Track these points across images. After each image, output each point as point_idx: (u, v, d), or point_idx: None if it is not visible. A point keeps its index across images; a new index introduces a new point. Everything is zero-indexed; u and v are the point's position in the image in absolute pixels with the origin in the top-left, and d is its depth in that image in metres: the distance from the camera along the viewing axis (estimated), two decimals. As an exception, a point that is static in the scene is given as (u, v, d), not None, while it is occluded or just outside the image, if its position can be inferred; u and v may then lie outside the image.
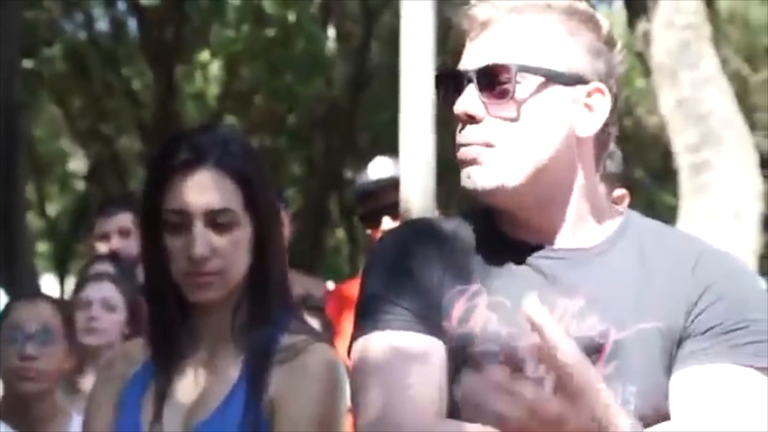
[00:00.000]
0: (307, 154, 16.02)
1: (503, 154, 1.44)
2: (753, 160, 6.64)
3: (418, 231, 1.54)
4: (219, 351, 1.83)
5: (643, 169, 13.84)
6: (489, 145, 1.44)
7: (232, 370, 1.80)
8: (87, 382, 2.96)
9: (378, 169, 3.31)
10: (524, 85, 1.44)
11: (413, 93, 2.40)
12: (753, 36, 14.70)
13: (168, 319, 1.84)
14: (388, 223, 3.15)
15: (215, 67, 13.87)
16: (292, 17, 12.79)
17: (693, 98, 6.69)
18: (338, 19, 15.56)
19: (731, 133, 6.64)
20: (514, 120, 1.44)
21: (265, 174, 1.86)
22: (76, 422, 2.64)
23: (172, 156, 1.80)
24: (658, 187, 14.08)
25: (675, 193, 7.87)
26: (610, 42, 1.49)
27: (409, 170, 2.44)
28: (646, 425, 1.40)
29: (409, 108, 2.41)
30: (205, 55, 13.51)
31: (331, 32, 15.31)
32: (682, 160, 6.75)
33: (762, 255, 6.52)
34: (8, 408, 2.70)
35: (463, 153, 1.46)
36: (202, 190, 1.78)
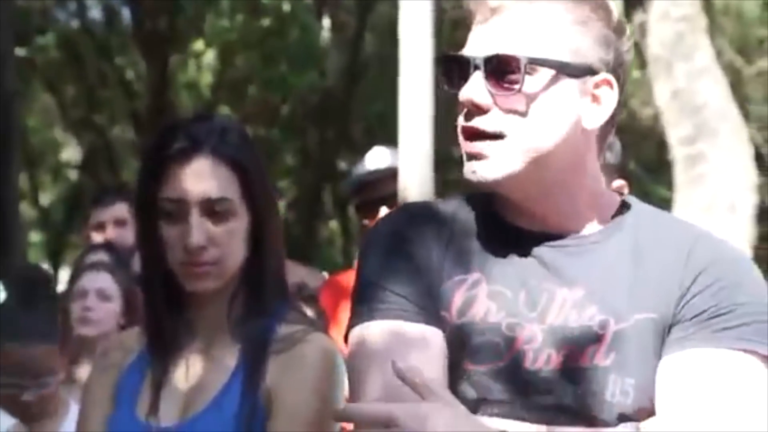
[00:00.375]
0: (301, 145, 16.00)
1: (509, 146, 1.43)
2: (748, 152, 6.65)
3: (416, 215, 1.52)
4: (215, 341, 1.82)
5: (636, 160, 13.85)
6: (497, 136, 1.43)
7: (229, 359, 1.79)
8: (83, 371, 2.95)
9: (375, 159, 3.30)
10: (533, 77, 1.42)
11: (412, 83, 2.39)
12: (747, 28, 14.69)
13: (164, 308, 1.83)
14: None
15: (209, 57, 13.83)
16: (286, 7, 12.76)
17: (688, 90, 6.69)
18: (333, 9, 15.52)
19: (726, 125, 6.65)
20: (522, 113, 1.43)
21: (261, 163, 1.86)
22: (74, 411, 2.64)
23: (168, 145, 1.79)
24: (651, 179, 14.09)
25: (669, 185, 7.88)
26: (619, 29, 1.48)
27: (408, 161, 2.43)
28: (646, 416, 1.41)
29: (408, 98, 2.40)
30: (199, 45, 13.47)
31: (326, 22, 15.28)
32: (677, 152, 6.76)
33: (756, 247, 6.53)
34: (10, 400, 2.70)
35: (468, 146, 1.45)
36: (199, 178, 1.77)
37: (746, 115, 8.56)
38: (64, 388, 2.83)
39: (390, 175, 3.23)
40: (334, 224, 18.30)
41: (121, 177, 14.89)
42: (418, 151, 2.28)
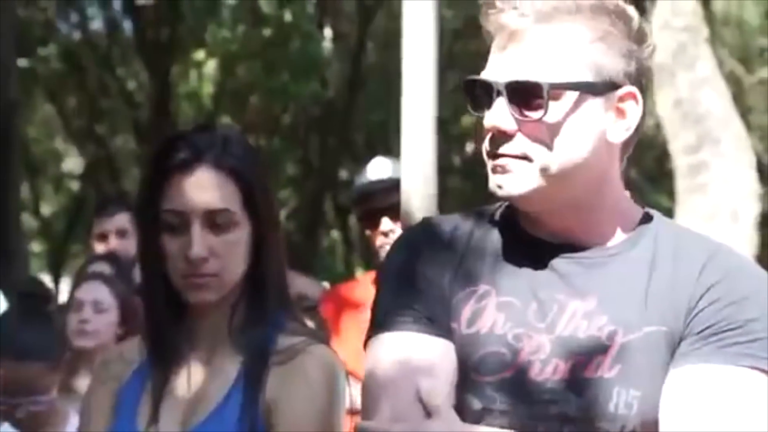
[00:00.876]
0: (302, 155, 16.00)
1: (536, 165, 1.42)
2: (750, 161, 6.66)
3: (433, 233, 1.52)
4: (217, 351, 1.82)
5: (637, 170, 13.85)
6: (523, 158, 1.43)
7: (230, 370, 1.79)
8: (81, 382, 2.94)
9: (377, 169, 3.29)
10: (557, 102, 1.41)
11: (414, 92, 2.37)
12: (747, 37, 14.70)
13: (165, 319, 1.82)
14: (387, 224, 3.14)
15: (211, 67, 13.84)
16: (288, 17, 12.76)
17: (690, 99, 6.70)
18: (334, 19, 15.54)
19: (728, 133, 6.66)
20: (547, 141, 1.42)
21: (264, 174, 1.85)
22: (74, 423, 2.63)
23: (170, 156, 1.79)
24: (652, 188, 14.09)
25: (669, 195, 7.88)
26: (640, 38, 1.46)
27: (410, 170, 2.41)
28: (653, 429, 1.40)
29: (410, 109, 2.38)
30: (200, 55, 13.48)
31: (327, 32, 15.29)
32: (679, 161, 6.76)
33: (758, 256, 6.53)
34: (6, 414, 2.69)
35: (494, 161, 1.45)
36: (201, 190, 1.77)
37: (747, 125, 8.57)
38: (63, 399, 2.82)
39: (391, 185, 3.22)
40: (335, 233, 18.29)
41: (123, 187, 14.89)
42: (421, 161, 2.27)
